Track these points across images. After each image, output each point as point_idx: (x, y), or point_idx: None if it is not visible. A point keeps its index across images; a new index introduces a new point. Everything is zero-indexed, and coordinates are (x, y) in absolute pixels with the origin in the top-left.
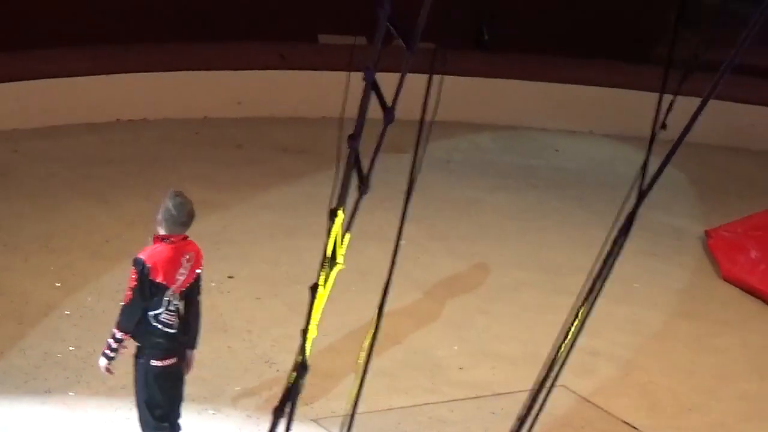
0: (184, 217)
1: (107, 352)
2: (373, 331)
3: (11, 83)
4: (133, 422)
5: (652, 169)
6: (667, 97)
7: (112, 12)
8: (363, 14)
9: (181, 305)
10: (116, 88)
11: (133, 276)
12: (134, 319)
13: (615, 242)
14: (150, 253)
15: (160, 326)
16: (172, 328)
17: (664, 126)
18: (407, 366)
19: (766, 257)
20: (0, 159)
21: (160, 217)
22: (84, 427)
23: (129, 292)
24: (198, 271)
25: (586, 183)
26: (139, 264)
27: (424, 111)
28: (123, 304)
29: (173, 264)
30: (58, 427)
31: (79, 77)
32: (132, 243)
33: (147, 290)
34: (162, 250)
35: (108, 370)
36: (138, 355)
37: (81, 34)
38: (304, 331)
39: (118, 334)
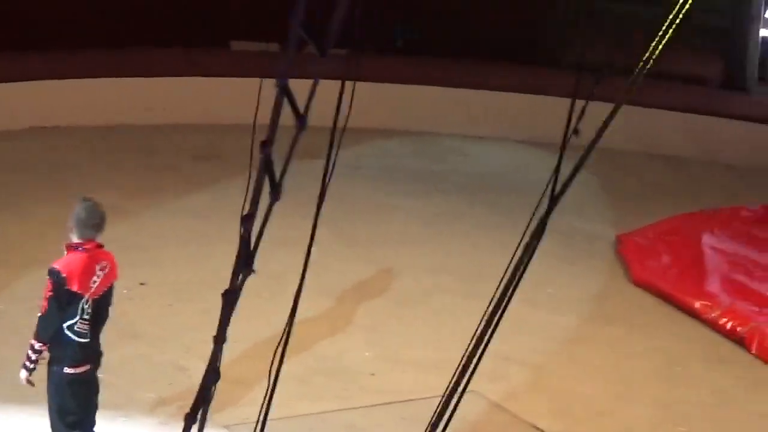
0: (96, 219)
1: (27, 363)
2: (284, 336)
3: None
4: (46, 430)
5: (564, 173)
6: (580, 103)
7: (23, 19)
8: (275, 21)
9: (93, 314)
10: (28, 95)
11: (49, 286)
12: (52, 329)
13: (527, 247)
14: (65, 262)
15: (73, 336)
16: (85, 338)
17: (576, 131)
18: (319, 372)
19: (676, 262)
20: None
21: (71, 223)
22: None
23: (45, 303)
24: (113, 281)
25: (497, 188)
26: (54, 274)
27: (336, 117)
28: (39, 315)
29: (88, 272)
30: None
31: None
32: (44, 250)
33: (63, 300)
34: (76, 258)
35: (29, 382)
36: (51, 363)
37: None
38: (216, 338)
39: (37, 345)
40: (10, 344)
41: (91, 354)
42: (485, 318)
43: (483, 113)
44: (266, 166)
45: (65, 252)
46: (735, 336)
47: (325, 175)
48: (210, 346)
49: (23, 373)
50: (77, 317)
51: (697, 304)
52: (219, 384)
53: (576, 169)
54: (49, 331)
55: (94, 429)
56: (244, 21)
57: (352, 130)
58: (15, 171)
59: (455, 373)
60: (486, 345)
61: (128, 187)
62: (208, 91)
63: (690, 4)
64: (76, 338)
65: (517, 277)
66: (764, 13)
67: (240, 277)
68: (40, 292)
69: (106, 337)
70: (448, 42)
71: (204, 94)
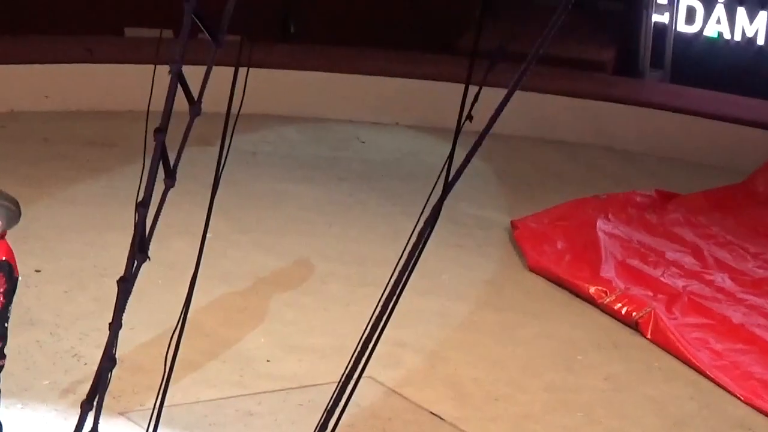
0: (19, 209)
1: None
2: (179, 323)
3: None
4: None
5: (458, 160)
6: (473, 89)
7: None
8: (169, 7)
9: None
10: None
11: (3, 280)
12: (6, 325)
13: (421, 234)
14: (6, 251)
15: (7, 325)
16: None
17: (470, 117)
18: (215, 359)
19: (571, 247)
20: None
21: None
22: None
23: (1, 298)
24: None
25: (393, 175)
26: (5, 266)
27: (230, 103)
28: None
29: (15, 258)
30: None
31: None
32: None
33: (13, 290)
34: (6, 246)
35: None
36: None
37: None
38: (112, 325)
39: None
40: None
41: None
42: (380, 304)
43: (380, 100)
44: (161, 153)
45: None
46: (629, 321)
47: (219, 162)
48: (106, 333)
49: None
50: (12, 305)
51: (592, 290)
52: (115, 371)
53: (469, 156)
54: (5, 327)
55: None
56: (139, 7)
57: (248, 116)
58: None
59: (351, 359)
60: (381, 331)
61: (23, 174)
62: (103, 78)
63: None
64: (5, 325)
65: (411, 264)
66: None
67: (135, 264)
68: None
69: None
70: (344, 28)
71: (99, 81)
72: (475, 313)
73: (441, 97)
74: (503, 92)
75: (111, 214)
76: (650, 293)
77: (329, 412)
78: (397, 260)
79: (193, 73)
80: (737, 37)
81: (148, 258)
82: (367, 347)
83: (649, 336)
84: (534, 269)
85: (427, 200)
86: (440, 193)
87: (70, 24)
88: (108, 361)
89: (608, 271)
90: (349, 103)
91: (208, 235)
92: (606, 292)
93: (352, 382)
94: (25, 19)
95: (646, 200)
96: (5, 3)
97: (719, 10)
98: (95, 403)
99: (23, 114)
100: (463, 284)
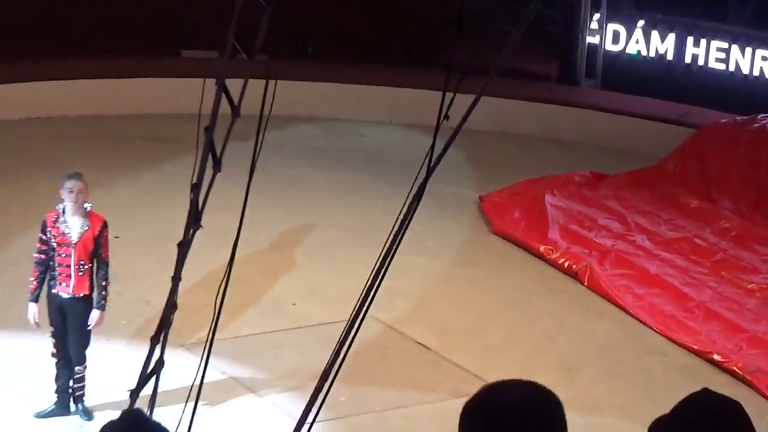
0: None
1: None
2: (226, 276)
3: None
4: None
5: (437, 150)
6: (449, 95)
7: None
8: (214, 34)
9: None
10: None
11: (108, 236)
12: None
13: (410, 207)
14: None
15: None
16: None
17: (446, 117)
18: (253, 304)
19: (526, 216)
20: None
21: (85, 189)
22: None
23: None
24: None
25: (387, 161)
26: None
27: (262, 107)
28: (107, 261)
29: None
30: None
31: None
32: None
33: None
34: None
35: None
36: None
37: None
38: (174, 278)
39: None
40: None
41: None
42: (378, 261)
43: (376, 104)
44: (210, 146)
45: (88, 209)
46: (571, 272)
47: (254, 153)
48: (169, 285)
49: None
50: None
51: (542, 248)
52: (176, 313)
53: (446, 146)
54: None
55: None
56: (191, 34)
57: (277, 117)
58: (17, 154)
59: (357, 303)
60: (380, 282)
61: (104, 164)
62: (167, 88)
63: (531, 18)
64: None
65: (402, 231)
66: (590, 24)
67: (191, 231)
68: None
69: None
70: (348, 48)
71: (159, 92)
72: (451, 268)
73: (424, 101)
74: (472, 97)
75: (172, 194)
76: (586, 251)
77: (341, 343)
78: (391, 228)
79: (233, 85)
80: (652, 54)
81: (201, 227)
82: (369, 294)
83: (586, 284)
84: (497, 233)
85: (414, 181)
86: (424, 175)
87: (136, 45)
88: (171, 306)
89: (554, 233)
90: (354, 106)
91: (246, 209)
92: (552, 250)
93: (358, 321)
94: (113, 41)
95: (582, 179)
96: (103, 26)
97: (638, 32)
98: (161, 338)
99: (104, 118)
100: (441, 246)
